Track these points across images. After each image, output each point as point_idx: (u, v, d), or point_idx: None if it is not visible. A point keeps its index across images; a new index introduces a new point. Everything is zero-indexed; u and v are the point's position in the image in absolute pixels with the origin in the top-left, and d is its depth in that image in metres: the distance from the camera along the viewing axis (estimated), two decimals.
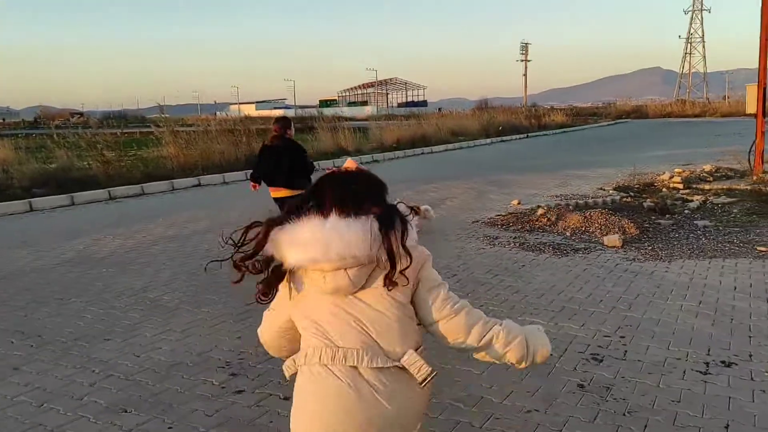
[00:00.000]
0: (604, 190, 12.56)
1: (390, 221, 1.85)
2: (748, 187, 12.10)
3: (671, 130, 37.72)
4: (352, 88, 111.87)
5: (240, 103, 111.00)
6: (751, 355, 4.10)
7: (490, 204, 11.10)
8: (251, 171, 7.28)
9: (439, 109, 78.81)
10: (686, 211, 10.50)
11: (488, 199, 11.71)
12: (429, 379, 1.88)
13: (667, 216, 9.66)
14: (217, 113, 79.97)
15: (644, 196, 11.94)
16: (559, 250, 7.33)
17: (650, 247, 7.31)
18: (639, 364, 4.03)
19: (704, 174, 13.93)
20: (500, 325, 2.00)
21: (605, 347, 4.33)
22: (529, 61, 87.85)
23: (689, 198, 11.34)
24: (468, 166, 18.48)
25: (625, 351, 4.25)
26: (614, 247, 7.39)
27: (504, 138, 32.77)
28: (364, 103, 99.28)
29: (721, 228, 8.36)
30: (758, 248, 7.05)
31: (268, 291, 1.97)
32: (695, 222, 8.93)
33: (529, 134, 36.07)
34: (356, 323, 1.84)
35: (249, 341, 4.64)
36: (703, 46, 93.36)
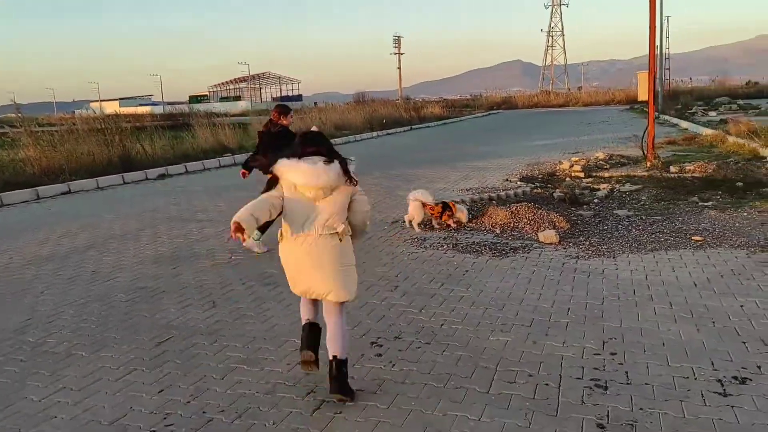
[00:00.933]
0: (510, 181, 12.34)
1: (347, 167, 3.55)
2: (646, 174, 12.34)
3: (544, 119, 39.25)
4: (223, 83, 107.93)
5: (102, 101, 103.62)
6: (759, 367, 3.69)
7: (402, 201, 10.45)
8: (247, 157, 7.61)
9: (315, 103, 77.83)
10: (596, 200, 10.43)
11: (398, 196, 11.06)
12: (344, 234, 3.58)
13: (585, 207, 9.49)
14: (76, 111, 73.92)
15: (551, 186, 11.84)
16: (497, 250, 6.81)
17: (587, 242, 6.97)
18: (649, 389, 3.49)
19: (600, 162, 14.15)
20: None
21: (602, 369, 3.77)
22: (402, 54, 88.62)
23: (596, 187, 11.33)
24: (363, 162, 17.77)
25: (626, 372, 3.70)
26: (551, 243, 6.98)
27: (389, 131, 32.48)
28: (237, 98, 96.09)
29: (644, 217, 8.23)
30: (693, 238, 6.89)
31: (271, 186, 3.62)
32: (615, 212, 8.77)
33: (412, 126, 36.08)
34: (318, 209, 3.51)
35: (175, 394, 3.64)
36: (563, 40, 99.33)
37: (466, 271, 6.07)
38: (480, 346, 4.18)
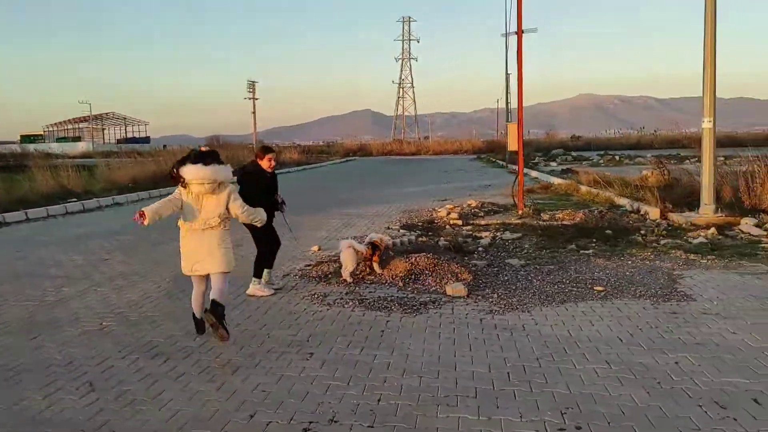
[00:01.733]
0: (391, 229, 12.08)
1: (226, 169, 5.26)
2: (520, 222, 12.65)
3: (402, 166, 40.21)
4: (61, 123, 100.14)
5: None
6: None
7: (287, 251, 9.77)
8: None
9: (165, 146, 74.32)
10: (480, 248, 10.43)
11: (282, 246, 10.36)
12: (222, 228, 5.26)
13: (473, 255, 9.41)
14: None
15: (431, 233, 11.74)
16: (407, 305, 6.37)
17: (495, 295, 6.74)
18: None
19: (474, 209, 14.37)
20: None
21: None
22: (257, 99, 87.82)
23: (478, 235, 11.37)
24: None
25: None
26: (460, 296, 6.67)
27: None
28: (77, 139, 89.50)
29: (538, 267, 8.23)
30: (595, 288, 6.91)
31: (176, 184, 5.27)
32: (508, 262, 8.73)
33: (275, 171, 35.28)
34: (204, 209, 5.16)
35: None
36: (413, 92, 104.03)
37: (383, 331, 5.55)
38: (431, 426, 3.66)
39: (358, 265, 7.92)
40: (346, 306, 6.43)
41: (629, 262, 8.37)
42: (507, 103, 43.39)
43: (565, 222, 12.41)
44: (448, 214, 13.59)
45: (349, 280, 7.63)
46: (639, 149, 57.55)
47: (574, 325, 5.59)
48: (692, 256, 8.69)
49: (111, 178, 24.43)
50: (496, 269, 8.11)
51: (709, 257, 8.59)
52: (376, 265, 7.78)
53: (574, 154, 48.95)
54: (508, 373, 4.47)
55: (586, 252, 9.40)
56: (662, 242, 10.27)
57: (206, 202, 5.17)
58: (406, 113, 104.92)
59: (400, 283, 7.33)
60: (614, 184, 17.15)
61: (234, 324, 5.86)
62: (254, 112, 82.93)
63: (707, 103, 11.76)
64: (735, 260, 8.38)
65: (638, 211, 13.26)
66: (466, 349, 4.99)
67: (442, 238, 11.03)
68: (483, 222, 12.89)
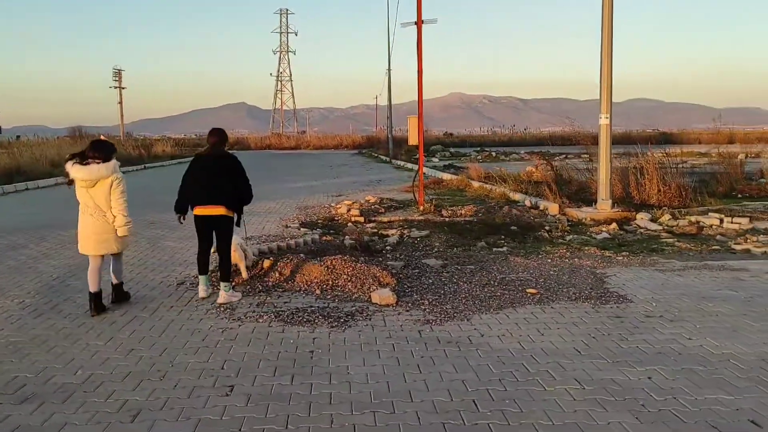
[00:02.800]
0: (290, 227, 11.18)
1: (110, 163, 5.90)
2: (422, 218, 12.20)
3: (285, 161, 38.92)
4: None
5: None
6: None
7: (175, 255, 8.64)
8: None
9: (18, 136, 67.79)
10: (388, 247, 9.86)
11: (166, 247, 9.18)
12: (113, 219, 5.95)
13: (380, 255, 8.79)
14: None
15: (332, 231, 10.99)
16: (331, 317, 5.58)
17: (425, 301, 6.11)
18: None
19: (375, 205, 13.74)
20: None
21: None
22: (123, 88, 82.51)
23: (384, 233, 10.76)
24: None
25: None
26: (388, 304, 5.98)
27: (124, 170, 28.97)
28: None
29: (458, 267, 7.72)
30: (528, 291, 6.47)
31: (70, 185, 5.99)
32: (425, 262, 8.16)
33: (146, 165, 32.87)
34: (91, 199, 5.89)
35: None
36: (291, 85, 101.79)
37: (312, 352, 4.73)
38: None
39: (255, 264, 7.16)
40: (260, 320, 5.53)
41: (548, 261, 8.07)
42: (389, 98, 43.33)
43: (467, 218, 12.10)
44: (349, 210, 12.87)
45: (245, 276, 6.87)
46: (511, 146, 59.85)
47: (522, 335, 5.07)
48: (607, 253, 8.56)
49: None
50: (416, 271, 7.50)
51: (623, 254, 8.50)
52: (243, 273, 6.97)
53: (452, 150, 49.95)
54: (474, 401, 3.82)
55: (500, 250, 9.06)
56: (567, 238, 10.18)
57: (91, 191, 6.00)
58: (284, 107, 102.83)
59: (317, 291, 6.51)
60: (506, 180, 17.23)
61: (125, 350, 4.81)
62: (121, 102, 77.97)
63: (604, 100, 11.87)
64: (647, 256, 8.33)
65: (537, 206, 13.24)
66: (416, 372, 4.30)
67: (347, 236, 10.31)
68: (385, 219, 12.30)
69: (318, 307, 5.93)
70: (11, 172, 22.81)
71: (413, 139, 13.32)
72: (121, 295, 6.17)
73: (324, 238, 10.14)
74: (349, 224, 11.70)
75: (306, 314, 5.67)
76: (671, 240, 9.69)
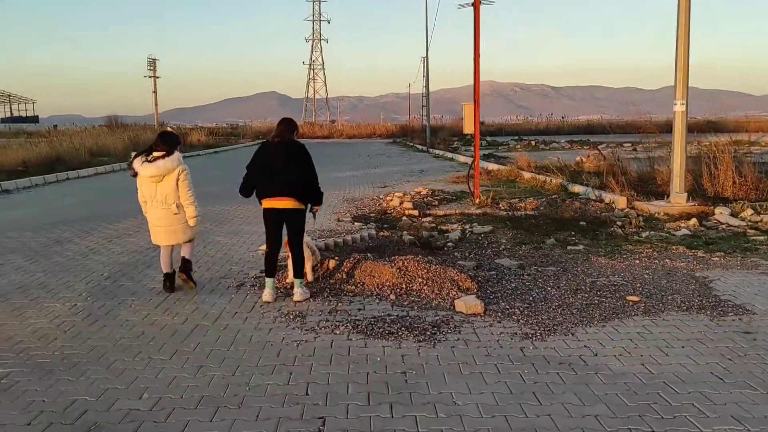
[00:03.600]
0: (343, 221, 10.59)
1: (176, 156, 6.04)
2: (479, 211, 11.52)
3: (320, 150, 38.35)
4: None
5: None
6: None
7: (228, 251, 8.12)
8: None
9: (55, 125, 68.61)
10: (450, 244, 9.23)
11: (217, 243, 8.67)
12: (180, 208, 6.08)
13: (440, 251, 8.20)
14: None
15: (386, 225, 10.39)
16: (416, 329, 4.96)
17: (516, 310, 5.46)
18: None
19: (428, 198, 13.08)
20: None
21: None
22: (158, 77, 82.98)
23: (443, 228, 10.11)
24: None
25: None
26: (476, 314, 5.34)
27: None
28: None
29: (539, 269, 7.04)
30: (629, 298, 5.77)
31: (135, 175, 6.08)
32: (498, 262, 7.50)
33: (185, 155, 32.62)
34: (159, 193, 6.00)
35: None
36: (324, 74, 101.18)
37: (405, 373, 4.12)
38: None
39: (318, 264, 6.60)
40: (337, 332, 4.94)
41: (636, 261, 7.34)
42: (427, 85, 42.49)
43: (529, 212, 11.37)
44: (401, 203, 12.24)
45: (310, 278, 6.33)
46: (548, 134, 58.55)
47: (643, 355, 4.39)
48: (699, 253, 7.78)
49: None
50: (493, 273, 6.84)
51: (717, 254, 7.72)
52: (308, 275, 6.38)
53: (488, 138, 48.89)
54: None
55: (576, 248, 8.35)
56: (643, 235, 9.41)
57: (159, 185, 6.14)
58: (316, 96, 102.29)
59: (392, 296, 5.89)
60: (562, 171, 16.41)
61: (193, 367, 4.26)
62: (155, 92, 78.43)
63: (680, 86, 11.00)
64: (744, 257, 7.54)
65: (602, 199, 12.44)
66: (534, 403, 3.66)
67: (405, 232, 9.70)
68: (441, 212, 11.65)
69: (397, 316, 5.31)
70: (51, 161, 22.69)
71: (469, 128, 12.60)
72: (186, 267, 6.28)
73: (381, 233, 9.54)
74: (404, 218, 11.08)
75: (386, 325, 5.06)
76: (762, 238, 8.85)
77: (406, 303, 5.70)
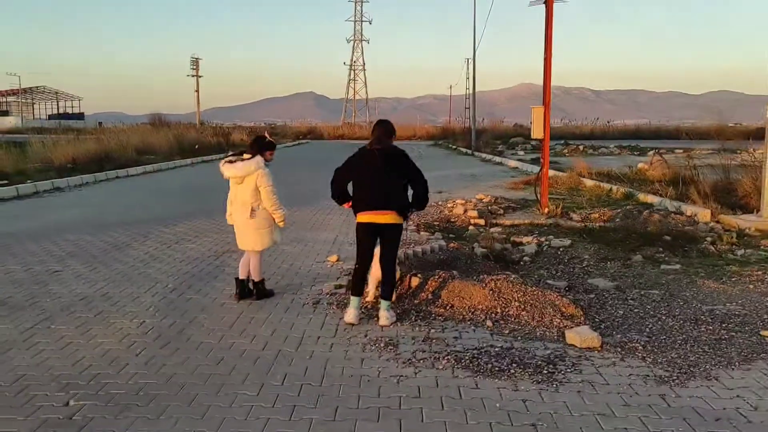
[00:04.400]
0: (406, 229, 9.99)
1: (256, 160, 5.81)
2: (549, 222, 10.82)
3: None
4: None
5: None
6: None
7: (295, 262, 7.63)
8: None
9: (100, 123, 69.67)
10: (526, 258, 8.60)
11: (283, 253, 8.18)
12: (255, 213, 5.87)
13: (514, 266, 7.55)
14: None
15: (453, 235, 9.79)
16: (527, 365, 4.35)
17: (637, 345, 4.80)
18: None
19: (491, 206, 12.43)
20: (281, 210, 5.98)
21: None
22: (200, 76, 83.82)
23: (517, 240, 9.46)
24: (197, 197, 14.38)
25: None
26: (592, 348, 4.70)
27: (204, 158, 28.71)
28: (5, 113, 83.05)
29: (640, 292, 6.35)
30: (763, 333, 5.06)
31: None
32: (593, 282, 6.84)
33: (227, 154, 32.50)
34: (239, 196, 5.90)
35: None
36: (365, 74, 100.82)
37: (535, 426, 3.51)
38: None
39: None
40: (438, 366, 4.35)
41: (750, 286, 6.59)
42: (473, 86, 41.73)
43: (604, 223, 10.64)
44: (465, 211, 11.61)
45: (392, 297, 5.62)
46: (593, 139, 57.12)
47: None
48: None
49: (47, 158, 21.38)
50: (592, 296, 6.18)
51: None
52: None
53: (533, 142, 47.82)
54: None
55: (671, 267, 7.64)
56: (738, 253, 8.63)
57: (240, 187, 6.04)
58: (356, 97, 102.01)
59: (488, 322, 5.28)
60: (624, 179, 15.57)
61: (286, 407, 3.71)
62: (198, 90, 79.19)
63: None
64: None
65: (681, 212, 11.62)
66: None
67: (476, 243, 9.08)
68: (507, 222, 11.00)
69: (501, 347, 4.70)
70: (101, 159, 22.65)
71: (538, 132, 11.88)
72: (261, 293, 6.07)
73: (451, 245, 8.93)
74: (470, 227, 10.46)
75: (492, 359, 4.46)
76: None
77: (506, 331, 5.09)
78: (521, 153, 35.94)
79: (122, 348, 4.71)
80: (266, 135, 6.13)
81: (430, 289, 5.95)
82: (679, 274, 7.27)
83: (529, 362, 4.39)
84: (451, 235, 9.87)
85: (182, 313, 5.57)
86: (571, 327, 5.12)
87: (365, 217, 5.25)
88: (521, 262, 8.52)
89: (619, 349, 4.68)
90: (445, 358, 4.48)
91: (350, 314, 5.30)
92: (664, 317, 5.48)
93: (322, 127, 79.26)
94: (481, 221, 10.90)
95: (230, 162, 5.91)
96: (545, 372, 4.24)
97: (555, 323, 5.21)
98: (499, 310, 5.49)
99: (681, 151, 34.52)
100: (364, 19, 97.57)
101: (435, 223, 10.84)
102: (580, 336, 4.75)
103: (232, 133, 46.96)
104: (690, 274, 7.29)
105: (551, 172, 20.05)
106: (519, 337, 4.94)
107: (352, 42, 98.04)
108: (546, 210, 11.77)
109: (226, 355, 4.57)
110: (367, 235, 5.31)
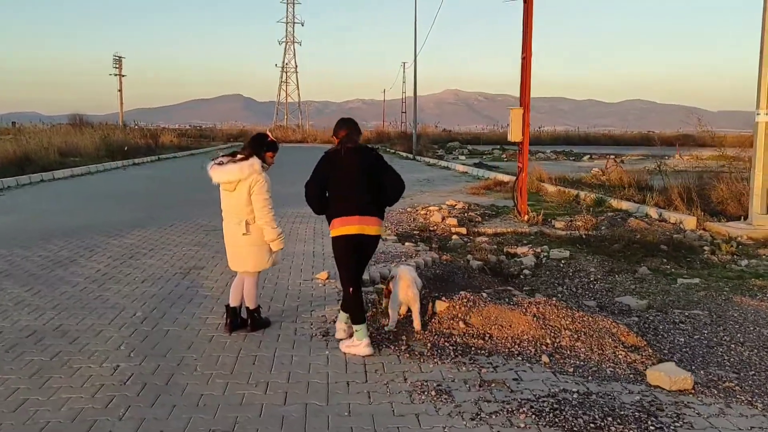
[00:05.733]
0: (386, 239, 9.09)
1: (251, 162, 4.66)
2: (534, 231, 10.17)
3: (305, 155, 36.63)
4: None
5: None
6: None
7: (280, 281, 6.57)
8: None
9: (14, 123, 65.29)
10: (525, 271, 7.93)
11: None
12: (250, 227, 4.76)
13: (514, 280, 6.85)
14: None
15: (434, 244, 8.98)
16: (624, 419, 3.50)
17: (729, 383, 4.07)
18: None
19: (468, 213, 11.65)
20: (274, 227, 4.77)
21: None
22: (124, 76, 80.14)
23: (510, 251, 8.73)
24: (140, 203, 12.98)
25: None
26: (684, 391, 3.93)
27: (135, 161, 26.82)
28: None
29: (683, 313, 5.69)
30: None
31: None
32: (621, 301, 6.16)
33: (160, 156, 30.61)
34: (231, 205, 4.77)
35: None
36: (297, 77, 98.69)
37: None
38: None
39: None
40: (517, 423, 3.44)
41: None
42: (414, 90, 41.21)
43: (589, 232, 10.06)
44: (443, 219, 10.79)
45: (418, 327, 4.94)
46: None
47: None
48: None
49: None
50: (634, 319, 5.47)
51: None
52: (416, 323, 4.95)
53: (469, 147, 47.84)
54: None
55: (690, 281, 7.12)
56: (742, 264, 8.21)
57: (231, 194, 4.96)
58: (288, 99, 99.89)
59: (543, 357, 4.43)
60: (582, 184, 15.21)
61: None
62: (121, 90, 75.61)
63: (764, 92, 9.84)
64: None
65: (663, 218, 11.22)
66: None
67: (470, 256, 8.29)
68: (490, 230, 10.28)
69: (578, 392, 3.85)
70: (20, 161, 20.56)
71: (516, 135, 11.20)
72: (257, 323, 5.00)
73: (444, 257, 8.11)
74: (454, 237, 9.65)
75: (577, 410, 3.60)
76: None
77: (570, 369, 4.25)
78: (463, 157, 35.69)
79: (98, 406, 3.58)
80: (268, 133, 5.08)
81: (460, 315, 5.06)
82: (703, 289, 6.72)
83: (623, 414, 3.56)
84: (434, 246, 9.04)
85: (165, 353, 4.45)
86: (640, 360, 4.36)
87: (352, 228, 4.46)
88: (521, 276, 7.82)
89: (714, 391, 3.93)
90: (521, 411, 3.59)
91: (364, 346, 4.46)
92: (731, 345, 4.81)
93: (255, 130, 77.03)
94: (463, 230, 10.13)
95: (220, 164, 4.81)
96: (651, 428, 3.42)
97: (620, 356, 4.43)
98: (548, 341, 4.66)
99: (613, 156, 35.33)
100: (296, 21, 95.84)
101: (414, 232, 9.97)
102: (669, 376, 3.96)
103: (161, 135, 44.62)
104: (715, 289, 6.74)
105: (507, 178, 19.64)
106: (589, 377, 4.12)
107: (284, 44, 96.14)
108: (526, 217, 11.12)
109: (240, 415, 3.52)
110: (353, 249, 4.52)
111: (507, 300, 5.39)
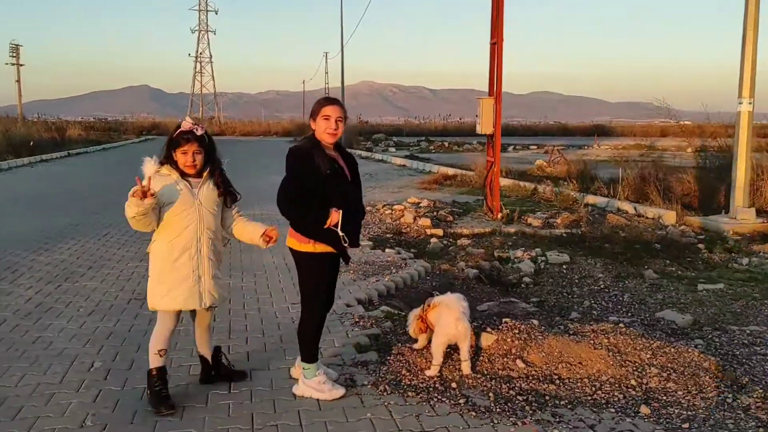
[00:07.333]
0: (362, 245, 8.06)
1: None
2: (513, 230, 9.41)
3: (229, 148, 34.69)
4: None
5: None
6: None
7: (264, 305, 5.42)
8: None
9: None
10: (526, 279, 7.17)
11: (236, 290, 5.91)
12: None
13: (513, 289, 6.08)
14: None
15: (414, 249, 8.08)
16: None
17: None
18: None
19: (437, 211, 10.72)
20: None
21: None
22: (22, 65, 74.46)
23: (503, 255, 7.90)
24: (63, 206, 11.29)
25: None
26: None
27: (44, 157, 24.36)
28: None
29: (747, 331, 5.01)
30: None
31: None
32: (663, 317, 5.43)
33: (70, 152, 28.04)
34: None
35: None
36: (212, 67, 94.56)
37: None
38: None
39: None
40: None
41: None
42: (342, 81, 40.06)
43: (570, 230, 9.41)
44: (415, 219, 9.84)
45: (467, 370, 3.96)
46: (447, 136, 57.30)
47: None
48: None
49: None
50: (699, 342, 4.71)
51: None
52: (465, 364, 3.98)
53: (394, 139, 47.19)
54: None
55: (714, 287, 6.54)
56: (743, 261, 7.77)
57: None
58: (202, 91, 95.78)
59: (644, 408, 3.54)
60: (575, 179, 14.72)
61: None
62: (19, 80, 70.07)
63: (747, 82, 9.46)
64: None
65: (640, 213, 10.73)
66: None
67: (462, 263, 7.41)
68: (466, 231, 9.45)
69: None
70: None
71: (488, 127, 10.37)
72: (231, 373, 3.92)
73: (444, 266, 7.24)
74: (432, 240, 8.73)
75: None
76: None
77: (678, 421, 3.39)
78: (393, 149, 34.97)
79: None
80: (186, 121, 3.65)
81: (514, 351, 4.12)
82: (733, 296, 6.13)
83: None
84: (413, 250, 8.13)
85: (153, 427, 3.26)
86: (754, 404, 3.57)
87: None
88: (522, 284, 7.03)
89: None
90: None
91: (333, 384, 3.70)
92: None
93: (169, 123, 73.30)
94: (439, 231, 9.23)
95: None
96: None
97: (728, 400, 3.62)
98: (633, 382, 3.79)
99: (535, 147, 35.61)
100: (209, 8, 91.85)
101: (387, 235, 8.98)
102: None
103: (68, 128, 41.33)
104: (742, 296, 6.17)
105: (452, 171, 18.91)
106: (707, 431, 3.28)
107: (197, 33, 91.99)
108: (499, 215, 10.34)
109: None
110: (332, 265, 3.68)
111: (562, 328, 4.50)
